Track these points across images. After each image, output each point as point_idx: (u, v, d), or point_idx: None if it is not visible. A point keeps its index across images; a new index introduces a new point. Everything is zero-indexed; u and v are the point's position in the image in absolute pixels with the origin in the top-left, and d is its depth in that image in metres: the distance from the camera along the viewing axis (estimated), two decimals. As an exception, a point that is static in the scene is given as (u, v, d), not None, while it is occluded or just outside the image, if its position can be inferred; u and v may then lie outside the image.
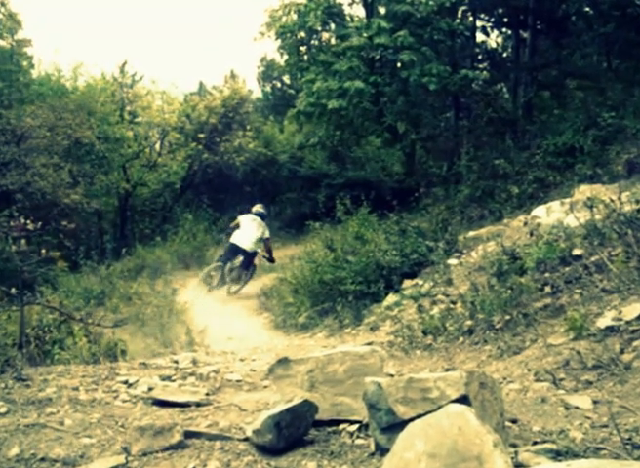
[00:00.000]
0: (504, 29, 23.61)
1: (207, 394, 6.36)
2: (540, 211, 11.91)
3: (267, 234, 14.82)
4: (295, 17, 21.82)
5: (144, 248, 20.76)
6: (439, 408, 3.70)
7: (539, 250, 8.66)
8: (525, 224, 11.33)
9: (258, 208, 15.15)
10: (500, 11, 22.02)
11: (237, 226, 14.75)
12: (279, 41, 22.66)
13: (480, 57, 23.27)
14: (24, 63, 22.30)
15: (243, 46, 59.61)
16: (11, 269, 9.93)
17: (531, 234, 10.16)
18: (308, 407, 4.65)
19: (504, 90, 23.60)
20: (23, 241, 10.28)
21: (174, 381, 6.97)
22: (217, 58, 54.66)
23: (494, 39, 24.46)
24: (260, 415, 4.76)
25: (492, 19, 22.66)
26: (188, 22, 60.60)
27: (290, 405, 4.61)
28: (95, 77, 25.00)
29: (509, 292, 8.06)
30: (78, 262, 16.72)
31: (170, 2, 56.57)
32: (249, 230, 14.48)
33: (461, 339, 7.98)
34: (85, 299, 14.16)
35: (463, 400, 3.81)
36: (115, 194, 23.34)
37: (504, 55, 24.08)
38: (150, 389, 6.41)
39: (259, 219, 14.79)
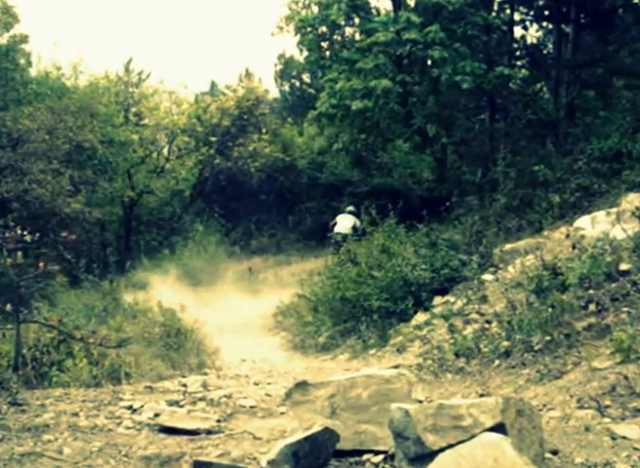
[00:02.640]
0: (545, 23, 23.51)
1: (218, 421, 6.38)
2: (583, 221, 11.84)
3: (359, 224, 18.40)
4: (316, 9, 21.92)
5: (151, 261, 20.86)
6: (472, 437, 3.70)
7: (582, 264, 8.61)
8: (567, 236, 11.28)
9: (350, 208, 19.20)
10: (541, 3, 21.95)
11: (335, 223, 18.78)
12: (298, 36, 22.74)
13: (518, 53, 23.20)
14: (21, 61, 22.50)
15: (259, 42, 59.91)
16: (6, 284, 10.00)
17: (573, 247, 10.12)
18: (329, 435, 4.66)
19: (545, 89, 23.49)
20: (19, 253, 10.33)
21: (182, 407, 7.00)
22: (230, 55, 54.98)
23: (533, 34, 24.41)
24: (276, 444, 4.78)
25: (531, 13, 22.57)
26: (199, 16, 61.03)
27: (308, 433, 4.62)
28: (97, 76, 25.21)
29: (550, 310, 8.03)
30: (79, 277, 16.78)
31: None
32: (345, 222, 18.51)
33: (497, 362, 7.96)
34: (86, 317, 14.21)
35: (499, 428, 3.81)
36: (119, 203, 23.47)
37: (545, 51, 23.99)
38: (156, 415, 6.44)
39: (350, 216, 18.66)
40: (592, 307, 7.93)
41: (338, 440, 4.71)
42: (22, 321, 8.83)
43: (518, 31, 22.97)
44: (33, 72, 23.85)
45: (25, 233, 9.53)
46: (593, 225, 11.30)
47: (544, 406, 6.01)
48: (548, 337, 7.67)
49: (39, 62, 24.33)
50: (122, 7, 58.20)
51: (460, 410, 3.93)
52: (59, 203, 17.89)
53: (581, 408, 5.75)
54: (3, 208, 16.99)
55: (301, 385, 5.24)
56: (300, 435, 4.63)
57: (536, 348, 7.67)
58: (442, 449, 3.70)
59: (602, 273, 8.30)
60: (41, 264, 10.78)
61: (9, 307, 9.21)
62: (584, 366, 6.62)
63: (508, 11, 22.17)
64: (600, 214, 11.68)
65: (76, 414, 6.43)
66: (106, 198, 22.70)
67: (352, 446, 4.89)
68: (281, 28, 22.75)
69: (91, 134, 20.15)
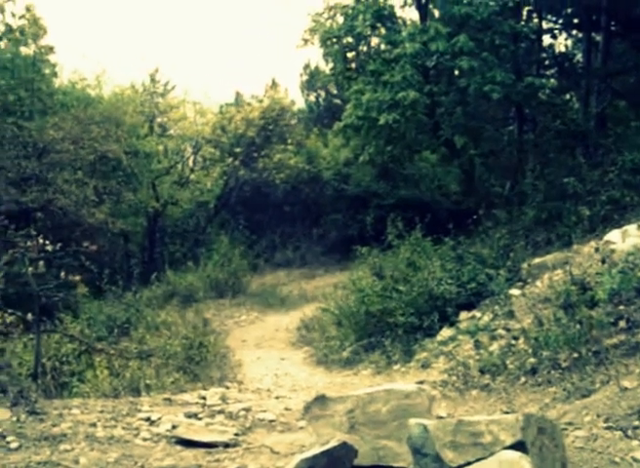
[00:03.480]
0: (574, 31, 23.42)
1: (236, 434, 6.38)
2: (614, 235, 11.73)
3: None
4: (341, 20, 21.93)
5: (175, 273, 20.95)
6: (492, 454, 3.66)
7: (612, 279, 8.52)
8: (597, 250, 11.15)
9: None
10: (570, 11, 21.82)
11: None
12: (324, 48, 22.80)
13: (547, 62, 23.08)
14: (47, 71, 22.75)
15: (285, 52, 60.02)
16: (28, 293, 10.10)
17: (603, 261, 10.02)
18: (346, 450, 4.63)
19: (574, 99, 23.35)
20: (41, 263, 10.45)
21: (200, 419, 7.01)
22: (255, 65, 55.09)
23: (562, 42, 24.33)
24: (294, 459, 4.75)
25: (560, 21, 22.47)
26: (225, 27, 61.36)
27: (326, 447, 4.59)
28: (122, 86, 25.44)
29: (578, 326, 7.95)
30: (102, 287, 16.90)
31: (204, 6, 57.30)
32: None
33: (523, 379, 7.89)
34: (108, 328, 14.32)
35: (519, 446, 3.76)
36: (144, 214, 23.58)
37: (574, 60, 23.87)
38: (174, 427, 6.46)
39: None
40: (622, 324, 7.85)
41: (355, 455, 4.68)
42: (43, 331, 8.90)
43: (547, 40, 22.92)
44: (58, 83, 24.07)
45: (47, 243, 9.64)
46: (624, 239, 11.19)
47: (570, 424, 5.93)
48: (576, 355, 7.59)
49: (62, 72, 24.61)
50: (147, 18, 58.63)
51: (479, 427, 3.89)
52: (83, 213, 18.00)
53: (609, 428, 5.66)
54: (27, 217, 17.13)
55: (320, 399, 5.22)
56: (316, 449, 4.61)
57: (563, 365, 7.60)
58: (460, 467, 3.66)
59: (633, 288, 8.20)
60: (62, 274, 10.92)
61: (30, 317, 9.31)
62: (613, 384, 6.54)
63: (537, 19, 22.05)
64: (631, 228, 11.56)
65: (94, 425, 6.46)
66: (131, 209, 22.82)
67: (371, 461, 4.86)
68: (306, 41, 22.75)
69: (116, 144, 20.28)
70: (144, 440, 6.14)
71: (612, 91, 20.79)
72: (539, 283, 11.44)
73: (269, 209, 25.61)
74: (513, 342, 9.28)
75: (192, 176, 26.06)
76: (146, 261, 23.89)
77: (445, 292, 12.25)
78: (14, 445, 5.68)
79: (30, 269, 9.60)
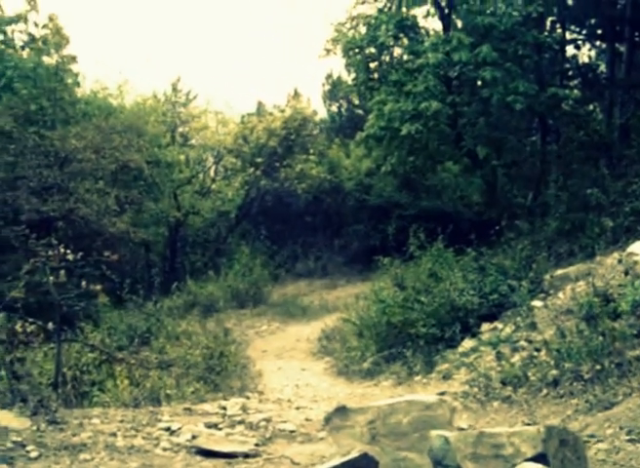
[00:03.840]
0: (598, 42, 23.33)
1: (256, 444, 6.39)
2: (637, 247, 11.65)
3: None
4: (363, 30, 21.98)
5: (196, 283, 21.03)
6: (512, 466, 3.64)
7: (635, 291, 8.48)
8: (620, 262, 11.10)
9: None
10: (593, 21, 21.75)
11: None
12: (346, 58, 22.86)
13: (570, 73, 22.97)
14: (69, 81, 22.93)
15: (307, 61, 60.05)
16: (49, 303, 10.16)
17: (626, 273, 9.97)
18: (367, 461, 4.62)
19: (598, 110, 23.25)
20: (62, 272, 10.51)
21: (221, 429, 7.03)
22: (277, 75, 55.22)
23: (586, 53, 24.20)
24: (313, 470, 4.77)
25: (584, 31, 22.41)
26: (247, 37, 61.63)
27: (347, 458, 4.59)
28: (144, 95, 25.61)
29: (601, 338, 7.90)
30: (123, 297, 16.99)
31: (226, 15, 57.59)
32: None
33: (545, 391, 7.85)
34: (129, 338, 14.39)
35: (541, 458, 3.75)
36: (165, 223, 23.65)
37: (598, 71, 23.76)
38: (194, 437, 6.48)
39: None
40: (645, 336, 7.79)
41: (376, 466, 4.68)
42: (64, 340, 8.95)
43: (570, 50, 22.80)
44: (80, 92, 24.23)
45: (68, 252, 9.71)
46: (648, 251, 11.12)
47: (592, 437, 5.89)
48: (598, 366, 7.55)
49: (84, 81, 24.79)
50: (169, 27, 58.97)
51: (500, 439, 3.89)
52: (104, 222, 18.08)
53: (631, 441, 5.62)
54: (48, 227, 17.23)
55: (341, 410, 5.23)
56: (337, 460, 4.60)
57: (585, 377, 7.55)
58: (481, 479, 3.65)
59: (656, 300, 8.16)
60: (83, 283, 10.99)
61: (51, 326, 9.36)
62: (636, 397, 6.49)
63: (560, 30, 22.00)
64: (655, 240, 11.50)
65: (114, 434, 6.49)
66: (152, 218, 22.90)
67: (391, 473, 4.85)
68: (328, 51, 22.81)
69: (137, 154, 20.35)
70: (164, 450, 6.16)
71: (635, 102, 20.66)
72: (561, 294, 11.40)
73: (291, 219, 25.62)
74: (535, 354, 9.24)
75: (214, 186, 26.15)
76: (167, 271, 23.96)
77: (467, 304, 12.25)
78: (34, 454, 5.72)
79: (51, 278, 9.65)
